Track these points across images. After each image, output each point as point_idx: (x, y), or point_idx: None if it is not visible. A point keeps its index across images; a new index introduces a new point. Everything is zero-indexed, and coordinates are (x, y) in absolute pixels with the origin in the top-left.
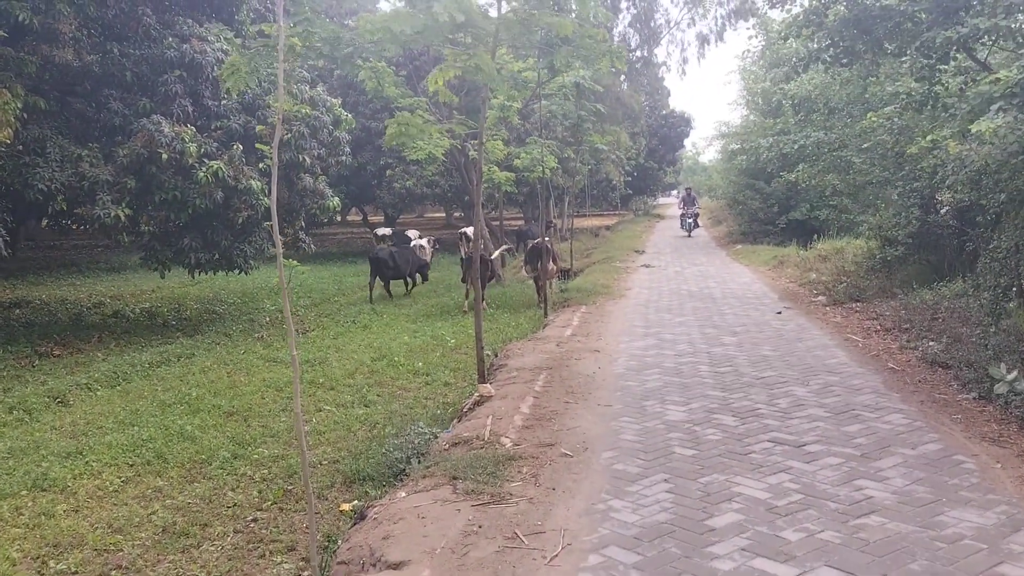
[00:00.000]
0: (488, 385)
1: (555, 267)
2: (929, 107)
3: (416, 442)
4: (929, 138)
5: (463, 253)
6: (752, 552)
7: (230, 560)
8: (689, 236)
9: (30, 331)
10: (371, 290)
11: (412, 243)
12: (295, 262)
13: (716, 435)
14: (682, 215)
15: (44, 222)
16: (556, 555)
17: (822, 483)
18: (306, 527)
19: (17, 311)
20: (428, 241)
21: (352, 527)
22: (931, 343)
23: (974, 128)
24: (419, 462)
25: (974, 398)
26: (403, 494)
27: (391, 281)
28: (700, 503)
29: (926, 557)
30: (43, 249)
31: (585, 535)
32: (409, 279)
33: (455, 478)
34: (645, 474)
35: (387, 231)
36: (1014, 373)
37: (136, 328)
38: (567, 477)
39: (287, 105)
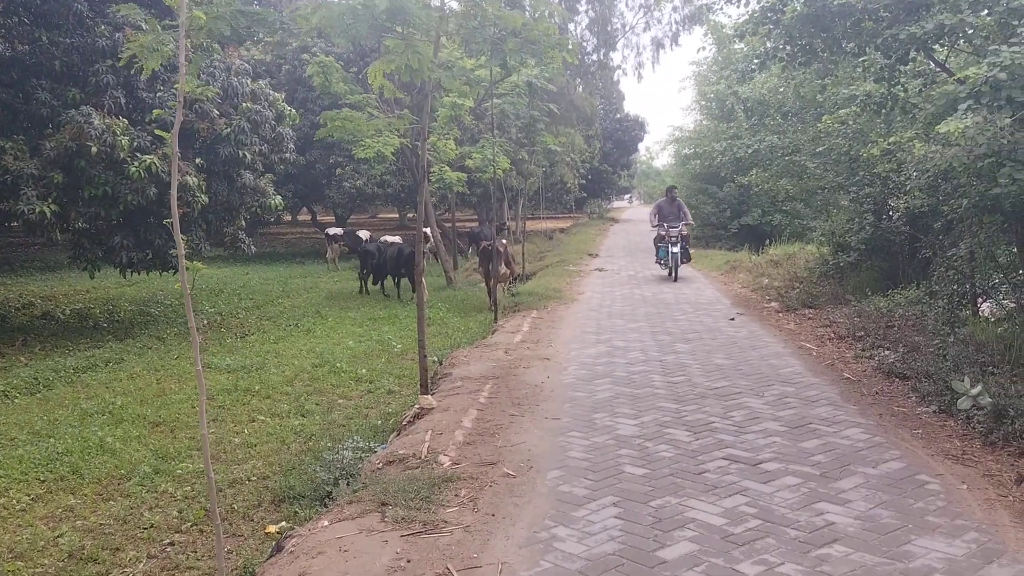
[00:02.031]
0: (430, 396)
1: (509, 270)
2: (888, 108)
3: (346, 461)
4: (892, 139)
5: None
6: None
7: None
8: (674, 280)
9: None
10: (363, 282)
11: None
12: (199, 264)
13: (669, 452)
14: (659, 237)
15: None
16: None
17: (780, 507)
18: (228, 551)
19: None
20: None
21: (268, 559)
22: (887, 352)
23: (942, 128)
24: (348, 484)
25: (934, 411)
26: (326, 523)
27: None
28: (651, 530)
29: None
30: None
31: (525, 570)
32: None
33: (384, 504)
34: (593, 497)
35: (339, 231)
36: (978, 387)
37: (65, 331)
38: (508, 501)
39: (189, 86)
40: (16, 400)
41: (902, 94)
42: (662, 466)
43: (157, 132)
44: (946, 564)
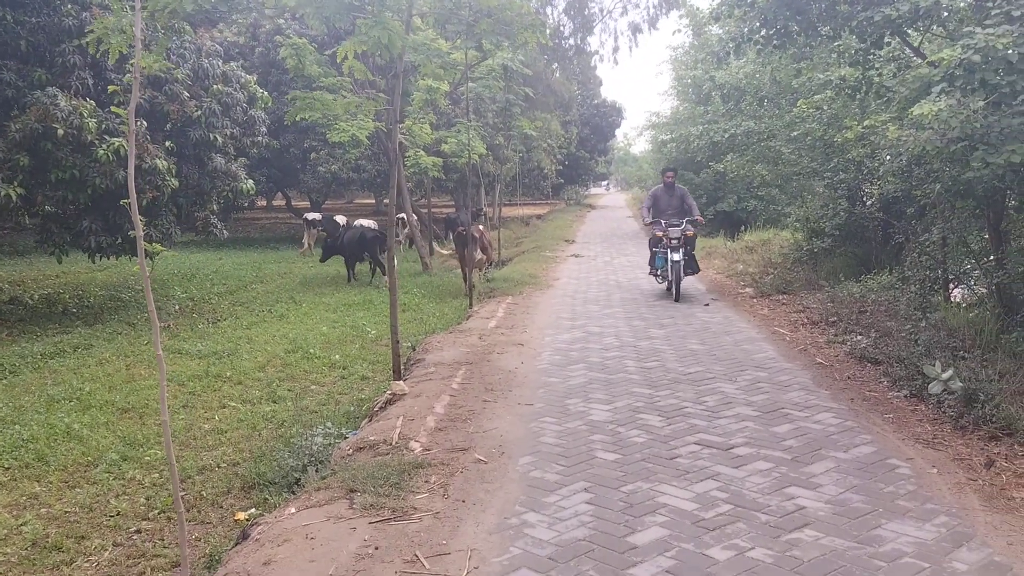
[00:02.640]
0: (402, 382)
1: (485, 255)
2: (863, 93)
3: (315, 447)
4: (867, 123)
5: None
6: (677, 574)
7: None
8: (675, 299)
9: None
10: (350, 272)
11: (357, 223)
12: (159, 246)
13: (641, 437)
14: (655, 239)
15: None
16: None
17: (751, 491)
18: (196, 538)
19: None
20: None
21: (233, 547)
22: (859, 337)
23: (915, 111)
24: (316, 471)
25: (905, 396)
26: (293, 509)
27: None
28: (622, 516)
29: None
30: None
31: (495, 556)
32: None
33: (353, 490)
34: (564, 482)
35: (316, 216)
36: (949, 372)
37: (33, 316)
38: (479, 487)
39: (145, 62)
40: None
41: (877, 78)
42: (634, 451)
43: (114, 109)
44: (916, 548)
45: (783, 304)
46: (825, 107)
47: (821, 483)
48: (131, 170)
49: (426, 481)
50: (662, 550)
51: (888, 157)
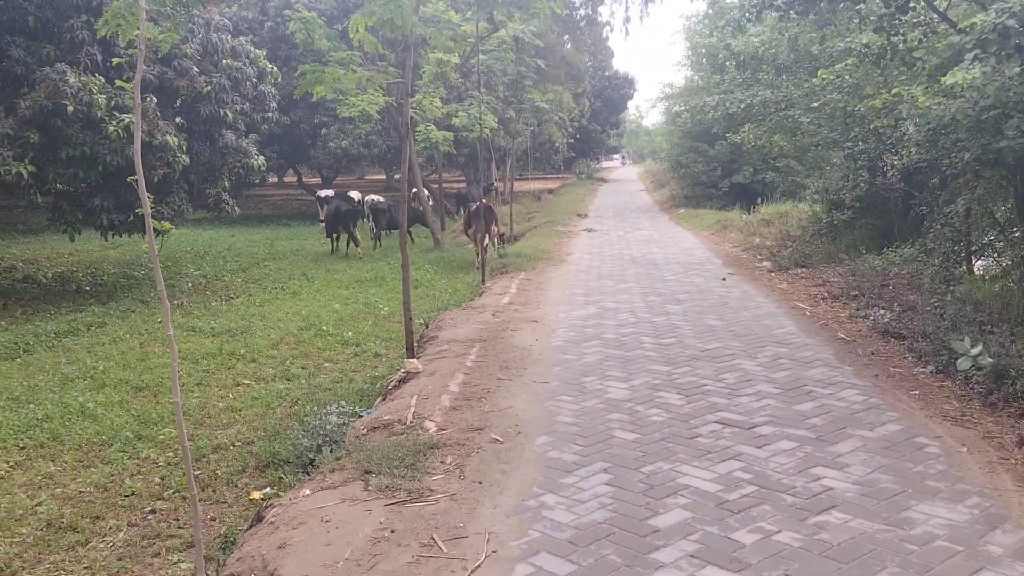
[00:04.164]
0: (416, 360)
1: (496, 229)
2: (888, 59)
3: (329, 427)
4: (894, 91)
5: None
6: (701, 559)
7: (120, 560)
8: None
9: None
10: (377, 240)
11: (368, 199)
12: (168, 223)
13: (660, 416)
14: None
15: None
16: (478, 566)
17: (776, 472)
18: (211, 518)
19: None
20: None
21: (248, 529)
22: (882, 311)
23: (948, 80)
24: (331, 451)
25: (931, 372)
26: (307, 491)
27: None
28: (643, 498)
29: (896, 563)
30: None
31: (513, 539)
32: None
33: (368, 471)
34: (582, 463)
35: (329, 193)
36: (978, 347)
37: (47, 294)
38: (496, 468)
39: (150, 33)
40: None
41: (901, 45)
42: (653, 431)
43: (119, 83)
44: (948, 531)
45: (802, 278)
46: (847, 76)
47: (847, 463)
48: (137, 146)
49: (442, 462)
50: (685, 533)
51: (912, 127)
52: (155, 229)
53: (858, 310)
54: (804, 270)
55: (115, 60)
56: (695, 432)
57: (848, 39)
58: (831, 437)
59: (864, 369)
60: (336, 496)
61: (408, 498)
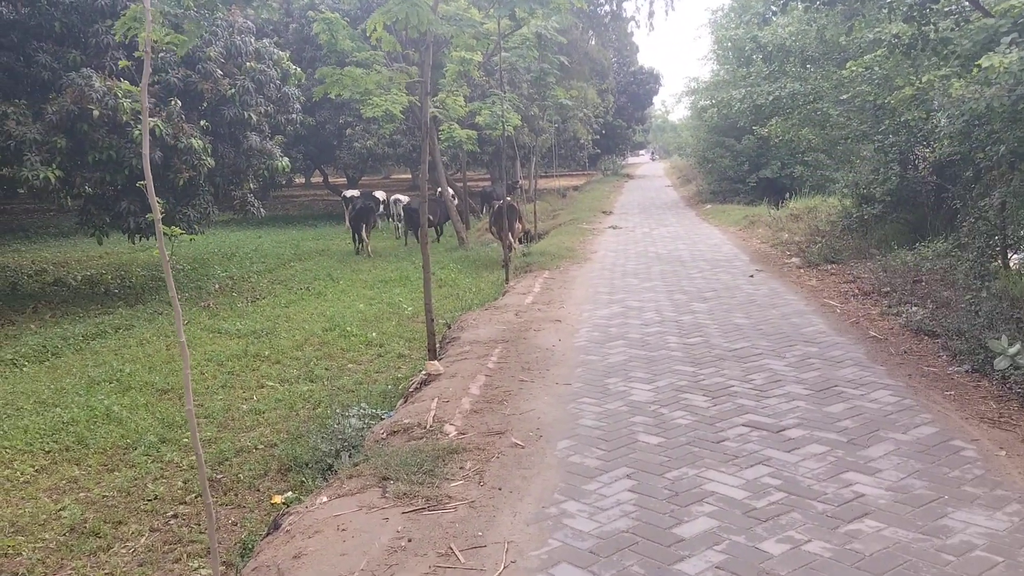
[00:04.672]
0: (437, 362)
1: (520, 227)
2: (919, 49)
3: (349, 431)
4: (925, 78)
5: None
6: (728, 570)
7: (140, 566)
8: None
9: None
10: (405, 237)
11: (393, 198)
12: (178, 229)
13: (685, 419)
14: None
15: None
16: None
17: (806, 477)
18: (232, 523)
19: None
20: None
21: (265, 538)
22: (915, 308)
23: (984, 63)
24: (349, 456)
25: (967, 371)
26: (324, 499)
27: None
28: (667, 505)
29: (933, 574)
30: None
31: (533, 549)
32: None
33: (386, 478)
34: (605, 468)
35: (355, 193)
36: (1016, 346)
37: (76, 297)
38: (516, 474)
39: (156, 35)
40: (24, 368)
41: (933, 35)
42: (678, 434)
43: (127, 86)
44: (987, 540)
45: (832, 274)
46: (876, 67)
47: (880, 468)
48: (145, 150)
49: (461, 467)
50: (711, 543)
51: (945, 119)
52: (166, 234)
53: (890, 307)
54: (834, 266)
55: (121, 63)
56: (722, 436)
57: (877, 29)
58: (863, 440)
59: (897, 369)
60: (353, 503)
61: (426, 505)
